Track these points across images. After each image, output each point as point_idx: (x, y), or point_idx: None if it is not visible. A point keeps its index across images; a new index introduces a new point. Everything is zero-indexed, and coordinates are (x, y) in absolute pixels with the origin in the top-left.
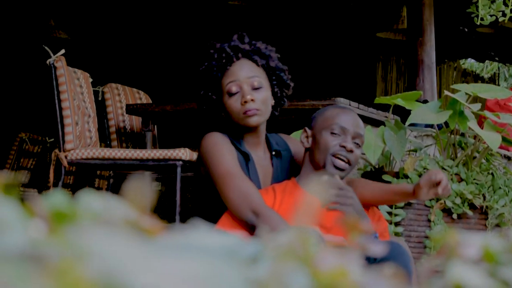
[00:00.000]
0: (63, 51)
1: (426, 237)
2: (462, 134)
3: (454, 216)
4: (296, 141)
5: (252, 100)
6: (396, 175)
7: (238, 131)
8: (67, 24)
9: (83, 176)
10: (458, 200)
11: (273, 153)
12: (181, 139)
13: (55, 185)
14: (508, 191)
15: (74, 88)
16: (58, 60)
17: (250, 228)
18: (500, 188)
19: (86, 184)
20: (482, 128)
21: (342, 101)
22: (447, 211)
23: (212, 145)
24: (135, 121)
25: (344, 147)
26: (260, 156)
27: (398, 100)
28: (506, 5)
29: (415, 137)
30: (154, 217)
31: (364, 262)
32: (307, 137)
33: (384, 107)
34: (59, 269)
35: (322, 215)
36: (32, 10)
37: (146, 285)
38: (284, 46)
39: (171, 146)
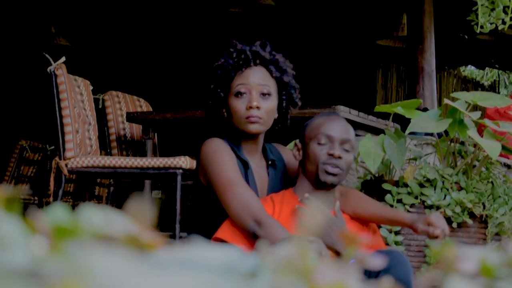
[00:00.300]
0: (63, 58)
1: (426, 246)
2: (462, 143)
3: (454, 224)
4: (289, 152)
5: (257, 107)
6: (396, 183)
7: (237, 137)
8: (68, 32)
9: (83, 184)
10: (458, 209)
11: (269, 162)
12: (182, 147)
13: (56, 193)
14: (508, 200)
15: (74, 95)
16: (58, 67)
17: (251, 236)
18: (500, 196)
19: (86, 192)
20: (482, 137)
21: (342, 109)
22: (447, 220)
23: (213, 151)
24: (136, 129)
25: (332, 155)
26: (257, 164)
27: (398, 108)
28: (505, 13)
29: (415, 145)
30: (154, 231)
31: (363, 275)
32: (298, 150)
33: (384, 115)
34: (61, 286)
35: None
36: (33, 17)
37: None
38: (284, 53)
39: (172, 154)
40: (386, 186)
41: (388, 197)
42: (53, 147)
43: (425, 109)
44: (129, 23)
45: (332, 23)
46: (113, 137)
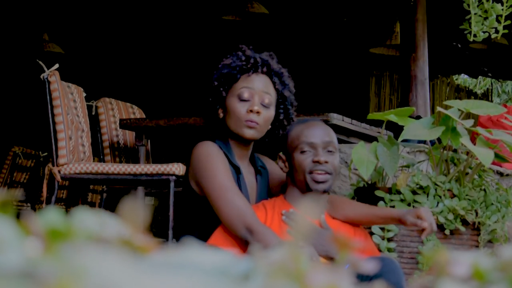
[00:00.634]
0: (57, 65)
1: (419, 252)
2: (455, 150)
3: (447, 232)
4: (272, 163)
5: (258, 112)
6: (389, 190)
7: (229, 142)
8: (61, 39)
9: (76, 191)
10: (450, 216)
11: (259, 168)
12: (175, 153)
13: (48, 199)
14: (501, 207)
15: (67, 102)
16: (52, 74)
17: (244, 243)
18: (492, 204)
19: (79, 198)
20: (474, 144)
21: (335, 116)
22: (439, 227)
23: (206, 155)
24: (129, 136)
25: (317, 161)
26: (247, 170)
27: (391, 116)
28: (498, 21)
29: (408, 153)
30: (147, 234)
31: (356, 279)
32: (283, 162)
33: (377, 123)
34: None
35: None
36: (26, 24)
37: None
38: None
39: (165, 161)
40: (379, 193)
41: (381, 204)
42: (46, 153)
43: (418, 117)
44: (122, 31)
45: (326, 31)
46: (106, 143)
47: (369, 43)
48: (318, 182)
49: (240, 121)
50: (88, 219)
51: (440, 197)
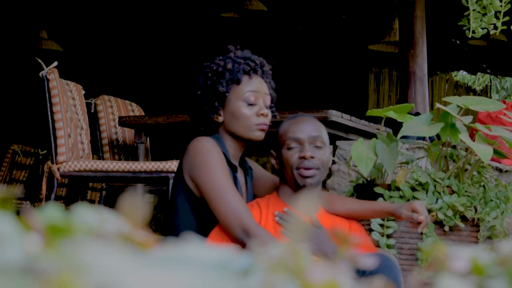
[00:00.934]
0: (55, 63)
1: (418, 249)
2: (454, 147)
3: (446, 228)
4: (256, 165)
5: (267, 115)
6: (388, 187)
7: (226, 141)
8: (60, 36)
9: (75, 188)
10: (449, 213)
11: (248, 168)
12: (174, 151)
13: (48, 197)
14: (500, 204)
15: (66, 100)
16: (50, 72)
17: (240, 244)
18: (491, 200)
19: (78, 196)
20: (473, 141)
21: (334, 113)
22: (439, 223)
23: (205, 151)
24: (128, 133)
25: (303, 157)
26: (239, 170)
27: (390, 112)
28: (497, 18)
29: (407, 149)
30: (147, 230)
31: (354, 275)
32: (275, 159)
33: (376, 119)
34: (56, 282)
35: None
36: (25, 22)
37: None
38: (276, 58)
39: (164, 158)
40: (378, 189)
41: (380, 200)
42: (45, 151)
43: (417, 114)
44: (121, 28)
45: (325, 28)
46: (105, 141)
47: (367, 40)
48: (305, 177)
49: (251, 125)
50: (88, 215)
51: (439, 193)
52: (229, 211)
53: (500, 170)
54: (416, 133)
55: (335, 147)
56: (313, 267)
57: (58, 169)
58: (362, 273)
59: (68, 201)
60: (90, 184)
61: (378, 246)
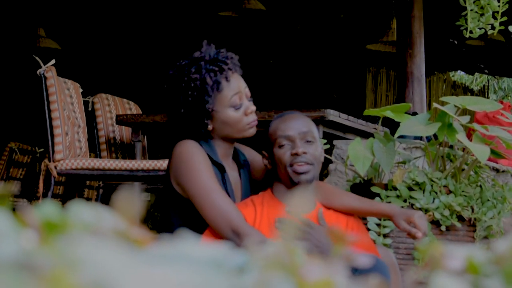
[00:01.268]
0: (53, 61)
1: (415, 248)
2: (451, 147)
3: (443, 228)
4: (249, 149)
5: (254, 110)
6: (385, 187)
7: (214, 141)
8: (57, 34)
9: (72, 187)
10: (446, 212)
11: (242, 162)
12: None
13: (45, 195)
14: (497, 204)
15: (64, 98)
16: (48, 70)
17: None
18: (488, 200)
19: (75, 194)
20: (471, 141)
21: (331, 112)
22: (435, 223)
23: (188, 155)
24: (125, 132)
25: (296, 154)
26: (231, 167)
27: (388, 112)
28: (495, 18)
29: (404, 149)
30: (143, 228)
31: (350, 273)
32: (267, 159)
33: (374, 119)
34: (51, 278)
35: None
36: (22, 20)
37: None
38: (274, 57)
39: (161, 157)
40: (375, 189)
41: (377, 200)
42: (42, 149)
43: (414, 113)
44: (119, 26)
45: (322, 27)
46: (102, 139)
47: (365, 39)
48: (299, 174)
49: (244, 126)
50: (84, 212)
51: (436, 193)
52: (217, 213)
53: (497, 170)
54: (413, 133)
55: (332, 147)
56: (309, 265)
57: (55, 167)
58: (357, 272)
59: (65, 199)
60: (87, 182)
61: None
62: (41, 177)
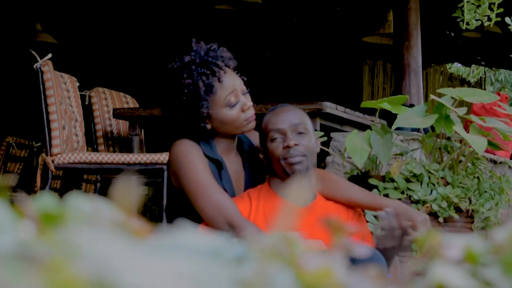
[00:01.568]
0: (50, 55)
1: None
2: (448, 138)
3: (440, 219)
4: (255, 133)
5: (250, 106)
6: (383, 178)
7: (212, 137)
8: (54, 29)
9: (70, 181)
10: (444, 204)
11: (245, 155)
12: (168, 143)
13: (42, 189)
14: (494, 195)
15: (61, 92)
16: (45, 64)
17: None
18: (486, 191)
19: (73, 188)
20: (468, 132)
21: (328, 105)
22: (433, 215)
23: (184, 154)
24: (122, 125)
25: (287, 146)
26: (233, 160)
27: (385, 104)
28: (491, 9)
29: (401, 141)
30: (141, 219)
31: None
32: (261, 153)
33: (371, 111)
34: (51, 268)
35: (298, 220)
36: (19, 14)
37: (136, 284)
38: (271, 50)
39: (158, 150)
40: (372, 181)
41: (374, 192)
42: (39, 143)
43: (411, 105)
44: (115, 20)
45: (319, 20)
46: (99, 133)
47: (362, 32)
48: (292, 164)
49: (241, 123)
50: (82, 203)
51: (434, 185)
52: (212, 207)
53: (495, 162)
54: (411, 125)
55: (329, 139)
56: (307, 255)
57: (53, 161)
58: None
59: (62, 193)
60: (85, 176)
61: None
62: (39, 171)
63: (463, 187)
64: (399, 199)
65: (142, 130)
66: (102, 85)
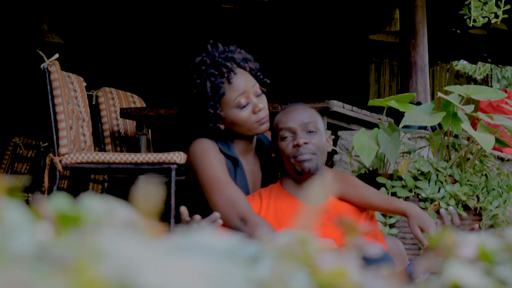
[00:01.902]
0: (57, 55)
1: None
2: (456, 136)
3: (448, 217)
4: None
5: (263, 108)
6: (390, 177)
7: (230, 138)
8: (60, 29)
9: (77, 181)
10: (452, 202)
11: (263, 156)
12: (176, 142)
13: (50, 189)
14: (502, 192)
15: (68, 92)
16: (52, 64)
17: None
18: (493, 189)
19: (80, 188)
20: (475, 130)
21: (335, 103)
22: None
23: (201, 151)
24: (129, 125)
25: (297, 145)
26: (250, 161)
27: (392, 102)
28: (498, 6)
29: (409, 139)
30: (155, 220)
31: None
32: (273, 153)
33: (378, 109)
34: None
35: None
36: (26, 14)
37: (158, 284)
38: (277, 49)
39: (166, 150)
40: (380, 179)
41: (382, 190)
42: (46, 143)
43: (418, 103)
44: (122, 20)
45: (325, 18)
46: (107, 133)
47: (368, 30)
48: (302, 162)
49: (252, 125)
50: (96, 204)
51: (442, 182)
52: (225, 202)
53: (502, 159)
54: (418, 123)
55: (336, 137)
56: (322, 255)
57: (60, 161)
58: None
59: (70, 193)
60: (92, 176)
61: None
62: (46, 172)
63: (471, 185)
64: (407, 197)
65: (149, 130)
66: (109, 85)
